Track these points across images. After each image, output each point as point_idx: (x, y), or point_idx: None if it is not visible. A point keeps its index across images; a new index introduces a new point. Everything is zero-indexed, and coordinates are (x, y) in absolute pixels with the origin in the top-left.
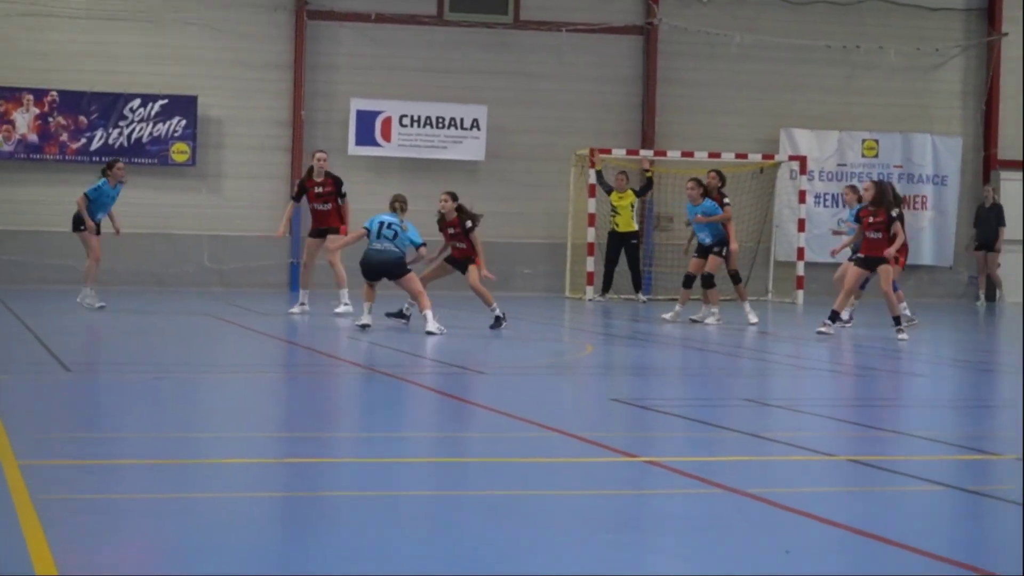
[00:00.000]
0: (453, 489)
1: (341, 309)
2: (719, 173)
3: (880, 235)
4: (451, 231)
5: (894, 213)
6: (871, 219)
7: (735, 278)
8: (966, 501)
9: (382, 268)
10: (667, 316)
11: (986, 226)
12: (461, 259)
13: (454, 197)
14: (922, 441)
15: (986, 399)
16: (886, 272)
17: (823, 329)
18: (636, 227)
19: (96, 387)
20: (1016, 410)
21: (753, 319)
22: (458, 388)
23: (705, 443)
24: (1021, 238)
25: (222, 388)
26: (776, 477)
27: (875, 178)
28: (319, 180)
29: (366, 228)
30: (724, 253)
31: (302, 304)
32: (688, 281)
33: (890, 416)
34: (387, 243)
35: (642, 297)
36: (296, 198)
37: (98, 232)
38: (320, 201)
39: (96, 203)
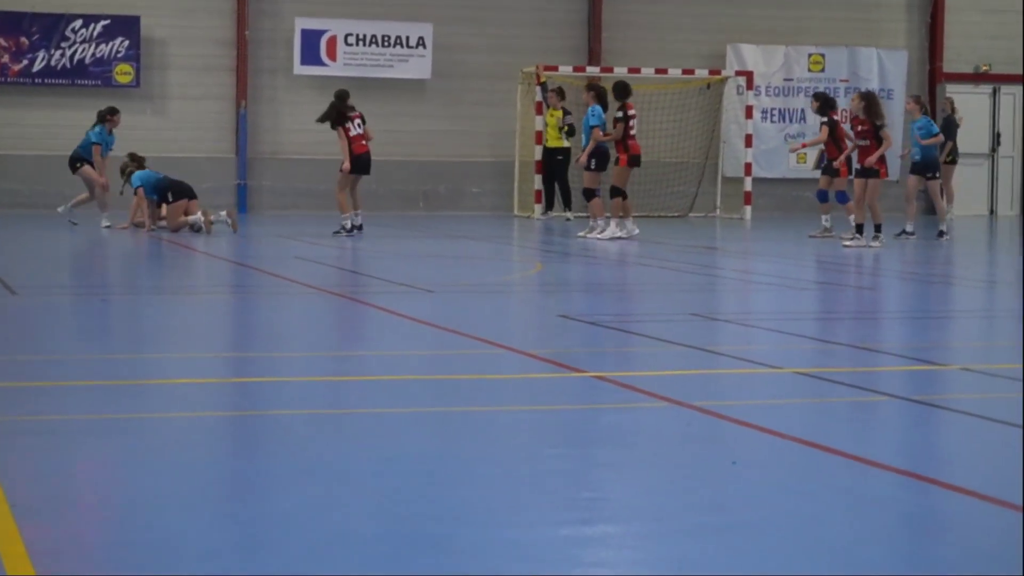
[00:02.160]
0: (402, 406)
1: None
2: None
3: (867, 143)
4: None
5: (878, 123)
6: (859, 128)
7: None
8: (912, 411)
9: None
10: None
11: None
12: None
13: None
14: (869, 353)
15: (933, 311)
16: (874, 184)
17: (876, 244)
18: (564, 143)
19: (43, 309)
20: (963, 321)
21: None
22: (406, 307)
23: (653, 358)
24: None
25: (170, 309)
26: (723, 390)
27: (821, 90)
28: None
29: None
30: (592, 166)
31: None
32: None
33: (837, 329)
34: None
35: (568, 214)
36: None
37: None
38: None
39: (105, 147)
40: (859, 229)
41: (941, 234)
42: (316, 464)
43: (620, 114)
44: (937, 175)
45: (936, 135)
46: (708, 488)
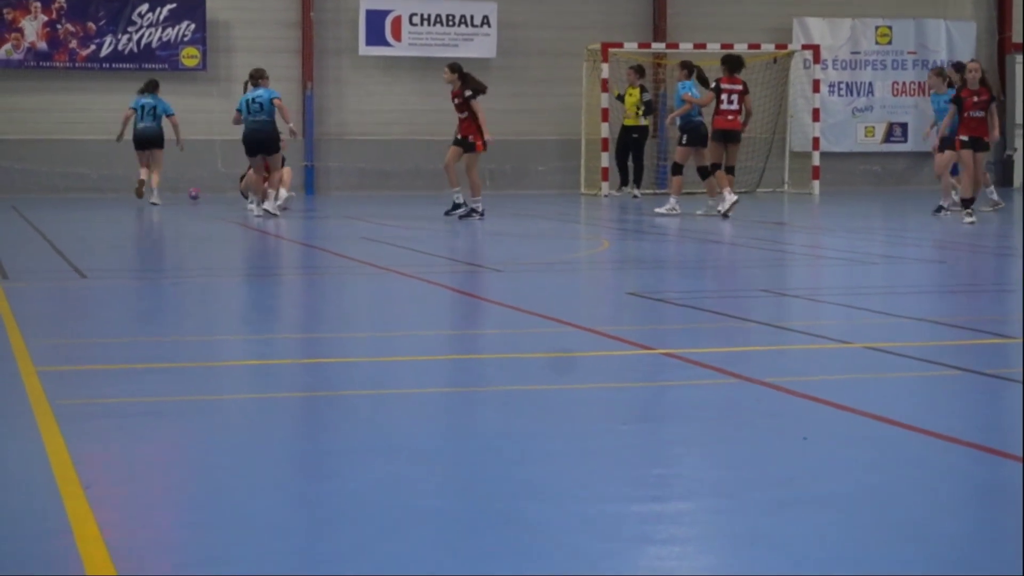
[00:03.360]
0: (470, 385)
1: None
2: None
3: (982, 114)
4: (455, 102)
5: (996, 95)
6: (975, 99)
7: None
8: (980, 384)
9: (258, 143)
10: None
11: None
12: (463, 138)
13: (453, 68)
14: (939, 326)
15: (1002, 283)
16: (982, 158)
17: (969, 220)
18: (641, 121)
19: (112, 293)
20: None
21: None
22: (474, 286)
23: (722, 334)
24: None
25: (238, 291)
26: (793, 366)
27: (890, 65)
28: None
29: (238, 111)
30: (684, 141)
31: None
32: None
33: (906, 302)
34: (259, 115)
35: (636, 191)
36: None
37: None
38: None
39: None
40: (966, 203)
41: (940, 209)
42: (386, 443)
43: (714, 84)
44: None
45: None
46: (779, 463)
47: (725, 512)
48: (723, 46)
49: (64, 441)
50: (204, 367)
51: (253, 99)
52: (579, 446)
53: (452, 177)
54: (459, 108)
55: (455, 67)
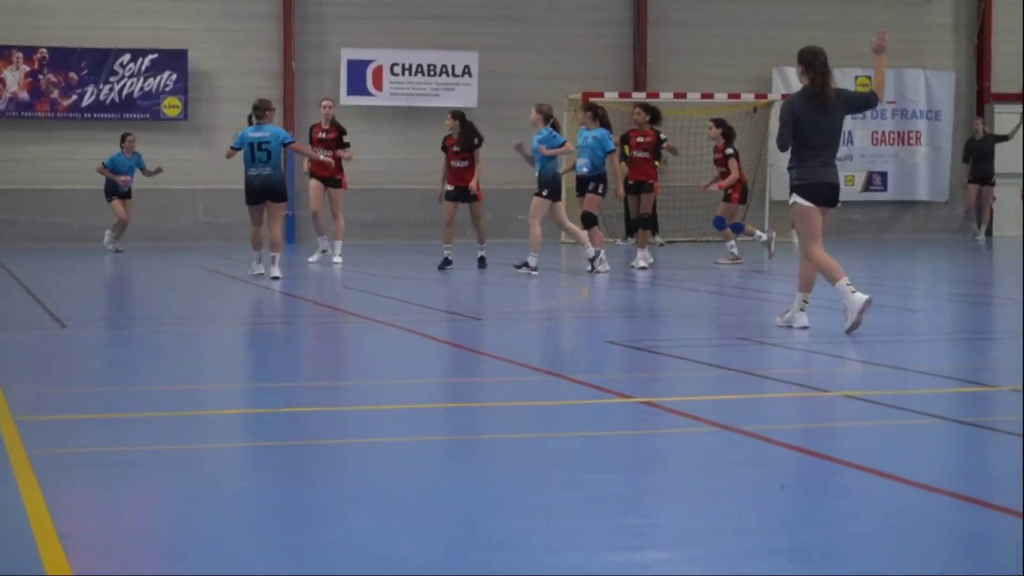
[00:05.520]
0: (450, 434)
1: (319, 258)
2: (644, 108)
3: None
4: (455, 149)
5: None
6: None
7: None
8: (962, 433)
9: (265, 192)
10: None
11: (980, 159)
12: (463, 188)
13: (456, 115)
14: (918, 374)
15: (982, 332)
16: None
17: None
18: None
19: (92, 342)
20: (1016, 341)
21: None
22: (453, 334)
23: (701, 382)
24: (1021, 171)
25: (219, 340)
26: (771, 414)
27: (869, 115)
28: (325, 127)
29: (233, 148)
30: (602, 191)
31: (322, 251)
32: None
33: (886, 351)
34: (265, 167)
35: (659, 240)
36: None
37: (128, 196)
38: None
39: (116, 171)
40: None
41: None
42: (367, 492)
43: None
44: (547, 195)
45: (562, 145)
46: (757, 512)
47: (702, 562)
48: (703, 95)
49: (41, 491)
50: (185, 416)
51: (259, 144)
52: (557, 495)
53: (452, 233)
54: (460, 156)
55: (458, 114)
